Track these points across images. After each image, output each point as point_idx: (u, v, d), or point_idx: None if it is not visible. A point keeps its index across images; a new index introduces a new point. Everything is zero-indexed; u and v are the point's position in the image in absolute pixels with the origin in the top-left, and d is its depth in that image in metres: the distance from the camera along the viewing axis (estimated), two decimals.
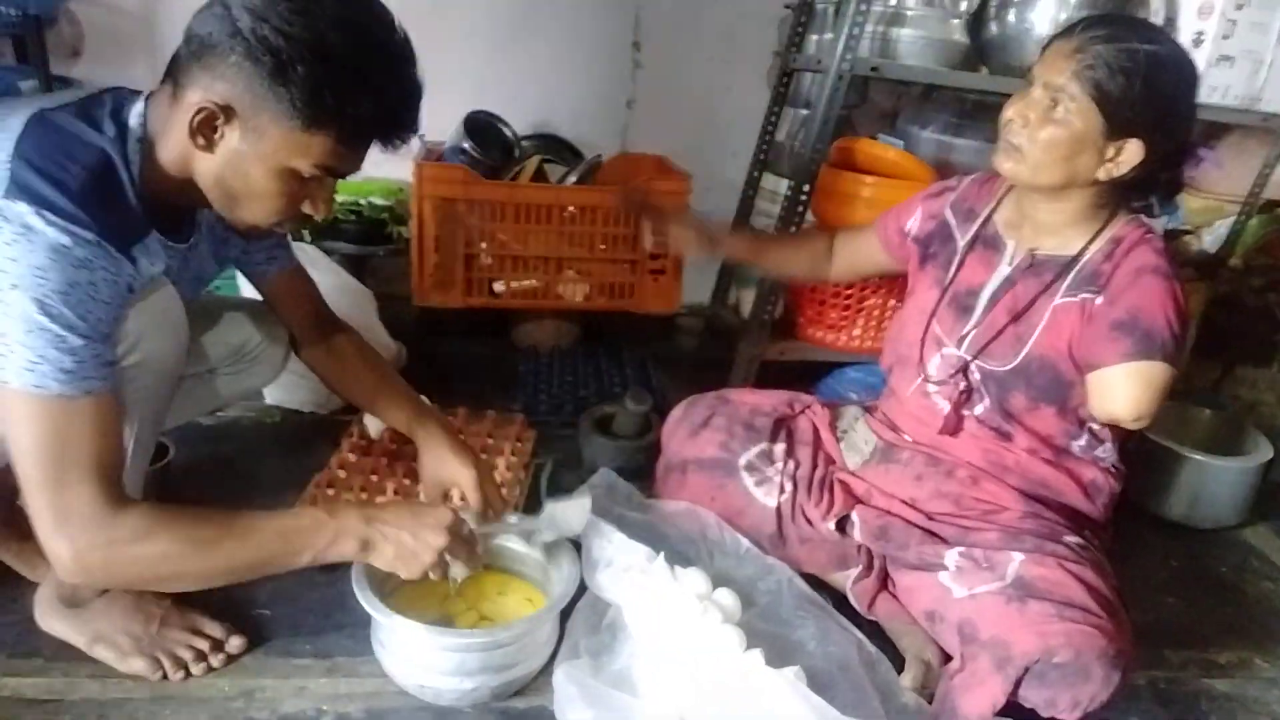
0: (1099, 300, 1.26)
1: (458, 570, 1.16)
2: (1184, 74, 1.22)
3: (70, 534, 0.95)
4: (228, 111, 0.99)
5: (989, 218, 1.43)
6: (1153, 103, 1.18)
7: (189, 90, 0.99)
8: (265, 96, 0.97)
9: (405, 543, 1.10)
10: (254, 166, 1.02)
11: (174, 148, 1.04)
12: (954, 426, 1.40)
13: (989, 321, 1.36)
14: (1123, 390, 1.22)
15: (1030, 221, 1.35)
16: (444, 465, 1.34)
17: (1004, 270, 1.38)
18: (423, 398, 1.46)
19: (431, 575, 1.12)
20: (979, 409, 1.38)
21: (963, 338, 1.38)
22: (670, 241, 1.63)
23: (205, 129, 1.00)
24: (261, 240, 1.34)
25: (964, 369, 1.37)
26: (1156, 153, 1.21)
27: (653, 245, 1.66)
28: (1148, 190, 1.31)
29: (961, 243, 1.44)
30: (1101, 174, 1.23)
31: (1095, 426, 1.35)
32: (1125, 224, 1.30)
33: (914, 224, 1.52)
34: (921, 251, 1.51)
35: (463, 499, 1.33)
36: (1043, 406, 1.32)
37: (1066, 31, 1.24)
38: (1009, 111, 1.26)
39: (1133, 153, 1.21)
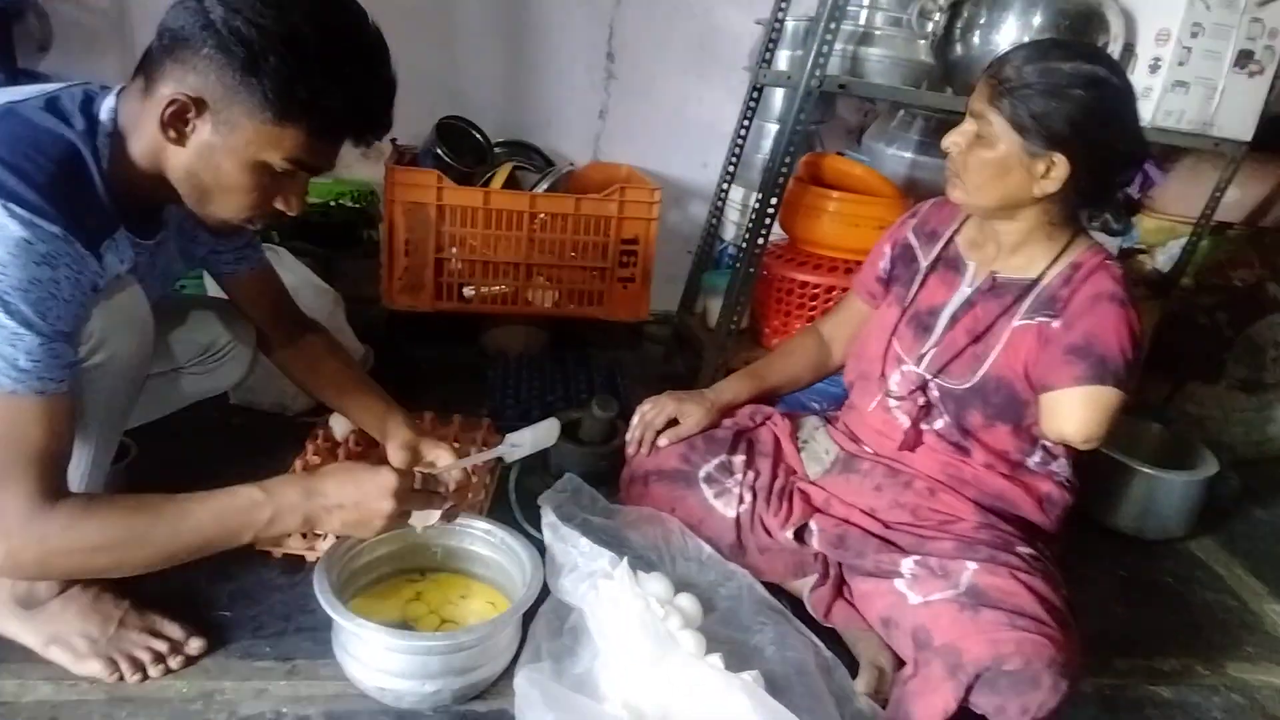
0: (1055, 324, 1.29)
1: (419, 519, 1.15)
2: (1106, 89, 1.23)
3: (3, 529, 0.94)
4: (199, 104, 0.99)
5: (950, 239, 1.46)
6: (1070, 118, 1.21)
7: (161, 84, 0.99)
8: (237, 89, 0.97)
9: (349, 516, 1.09)
10: (226, 159, 1.02)
11: (145, 141, 1.04)
12: (913, 442, 1.43)
13: (948, 341, 1.40)
14: (1074, 413, 1.26)
15: (992, 242, 1.39)
16: (395, 448, 1.35)
17: (965, 291, 1.41)
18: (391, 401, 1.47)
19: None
20: (938, 424, 1.41)
21: (922, 356, 1.42)
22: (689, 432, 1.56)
23: (177, 121, 1.00)
24: (231, 238, 1.33)
25: (923, 386, 1.41)
26: (1083, 166, 1.24)
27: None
28: (1100, 208, 1.34)
29: (924, 264, 1.48)
30: (1036, 191, 1.27)
31: (1049, 444, 1.38)
32: (1086, 250, 1.33)
33: (885, 264, 1.55)
34: (890, 270, 1.55)
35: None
36: (998, 425, 1.36)
37: (995, 61, 1.29)
38: (945, 141, 1.33)
39: (1059, 168, 1.24)
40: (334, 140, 1.06)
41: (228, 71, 0.96)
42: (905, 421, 1.43)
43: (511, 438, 1.36)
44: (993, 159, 1.26)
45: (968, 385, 1.36)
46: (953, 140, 1.31)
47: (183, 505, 1.02)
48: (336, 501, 1.08)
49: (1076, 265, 1.32)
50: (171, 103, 0.98)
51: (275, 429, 1.85)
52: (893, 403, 1.44)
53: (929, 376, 1.40)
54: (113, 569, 1.03)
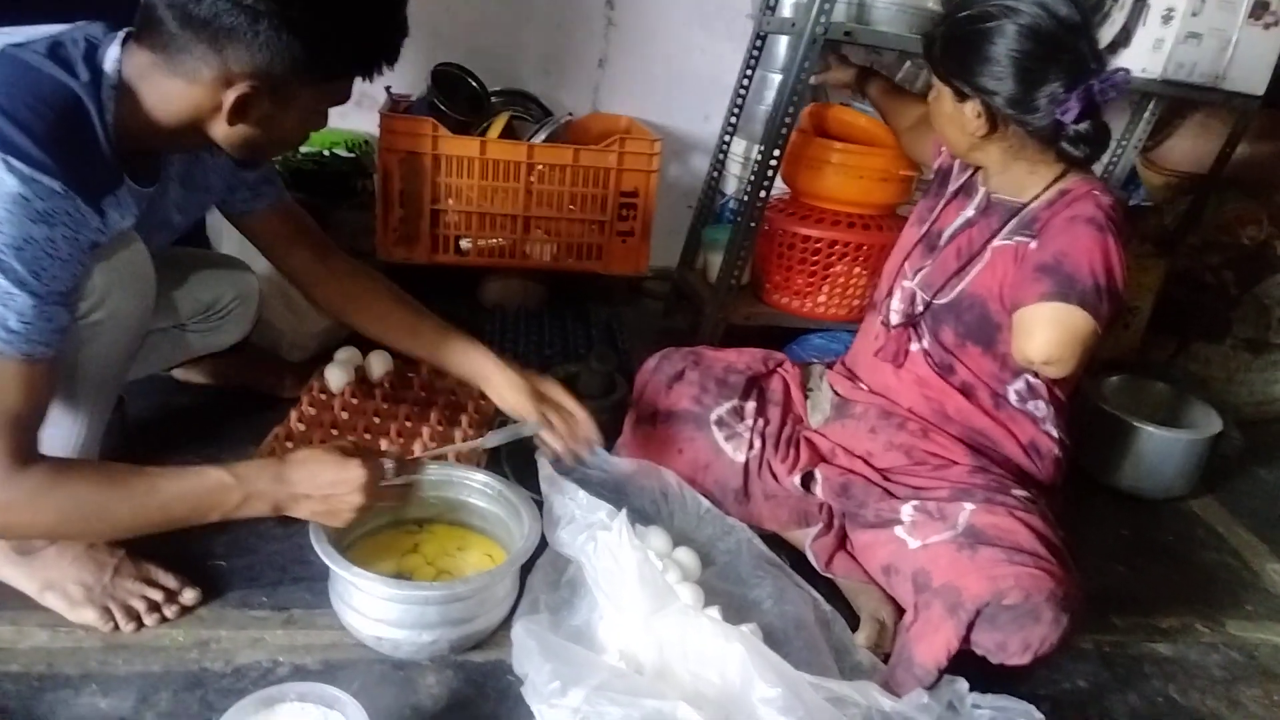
0: (1032, 244, 1.30)
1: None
2: (993, 29, 1.25)
3: None
4: (258, 88, 0.99)
5: (976, 170, 1.47)
6: (964, 64, 1.30)
7: (198, 64, 0.97)
8: (296, 65, 0.98)
9: (318, 506, 1.09)
10: (287, 122, 1.06)
11: (178, 109, 1.02)
12: (894, 352, 1.45)
13: (942, 259, 1.43)
14: (1036, 330, 1.23)
15: (986, 170, 1.43)
16: (510, 391, 1.32)
17: (968, 213, 1.44)
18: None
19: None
20: (924, 342, 1.43)
21: (918, 271, 1.46)
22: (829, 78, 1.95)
23: (243, 107, 1.00)
24: (249, 172, 1.31)
25: (912, 299, 1.45)
26: (999, 105, 1.28)
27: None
28: (1061, 140, 1.30)
29: (951, 188, 1.50)
30: (973, 133, 1.34)
31: (1031, 379, 1.38)
32: (1078, 179, 1.34)
33: (944, 150, 1.57)
34: (933, 182, 1.58)
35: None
36: (969, 345, 1.38)
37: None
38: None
39: (979, 110, 1.31)
40: (369, 71, 1.08)
41: (286, 54, 0.97)
42: (893, 334, 1.46)
43: (491, 436, 1.33)
44: (942, 111, 1.38)
45: (945, 300, 1.39)
46: (929, 94, 1.43)
47: (153, 481, 1.01)
48: (305, 491, 1.08)
49: (1064, 191, 1.33)
50: (241, 95, 0.98)
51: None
52: (894, 318, 1.47)
53: (917, 290, 1.43)
54: (74, 536, 1.06)
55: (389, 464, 1.14)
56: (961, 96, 1.33)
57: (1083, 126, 1.27)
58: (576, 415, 1.32)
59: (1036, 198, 1.35)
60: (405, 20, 1.07)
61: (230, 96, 0.99)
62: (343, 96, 1.09)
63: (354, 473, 1.08)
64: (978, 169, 1.46)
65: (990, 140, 1.34)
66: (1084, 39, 1.27)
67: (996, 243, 1.36)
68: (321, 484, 1.08)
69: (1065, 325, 1.21)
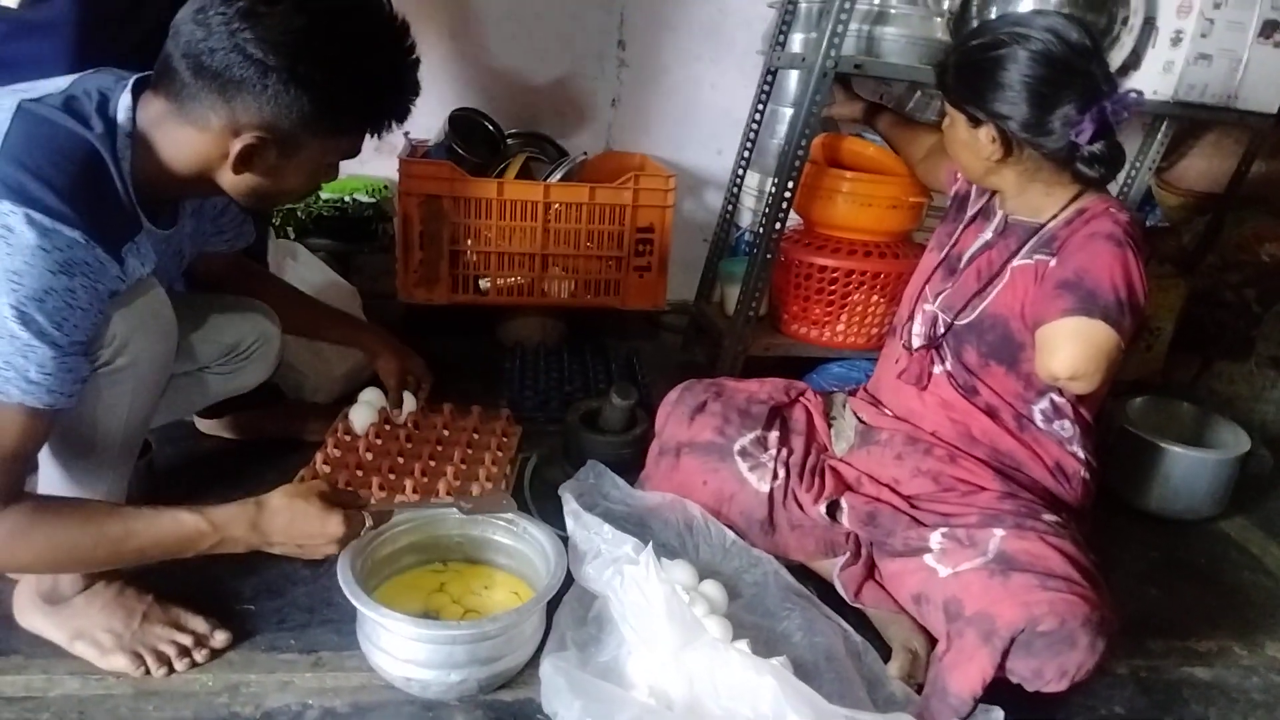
0: (1052, 262, 1.32)
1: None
2: (1000, 57, 1.28)
3: None
4: (265, 139, 1.02)
5: (994, 194, 1.49)
6: (976, 92, 1.32)
7: (206, 113, 1.01)
8: (305, 119, 1.02)
9: (292, 552, 1.13)
10: (294, 174, 1.10)
11: (189, 158, 1.06)
12: (917, 374, 1.46)
13: (963, 280, 1.44)
14: (1060, 346, 1.24)
15: (1002, 193, 1.44)
16: (395, 358, 1.69)
17: (987, 235, 1.45)
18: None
19: None
20: (947, 364, 1.44)
21: (939, 294, 1.47)
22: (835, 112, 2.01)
23: (248, 156, 1.03)
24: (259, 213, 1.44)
25: (934, 322, 1.46)
26: (1012, 130, 1.30)
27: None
28: (1076, 161, 1.31)
29: (969, 213, 1.52)
30: (989, 158, 1.35)
31: (1056, 398, 1.38)
32: (1094, 197, 1.36)
33: (960, 175, 1.58)
34: (950, 207, 1.60)
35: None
36: (992, 364, 1.39)
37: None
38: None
39: (993, 137, 1.33)
40: (378, 129, 1.11)
41: (295, 109, 1.00)
42: (916, 356, 1.47)
43: (462, 504, 1.34)
44: (956, 138, 1.40)
45: (966, 321, 1.41)
46: (943, 121, 1.45)
47: (129, 525, 1.03)
48: (280, 541, 1.11)
49: (1082, 210, 1.35)
50: (246, 145, 1.02)
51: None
52: (915, 341, 1.49)
53: (939, 313, 1.45)
54: (54, 570, 1.10)
55: (369, 520, 1.19)
56: (975, 122, 1.34)
57: (1097, 147, 1.29)
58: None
59: (1054, 217, 1.36)
60: (414, 81, 1.10)
61: (237, 146, 1.02)
62: (353, 150, 1.12)
63: (333, 528, 1.11)
64: (994, 193, 1.47)
65: (1005, 164, 1.36)
66: (1095, 62, 1.28)
67: (1016, 262, 1.37)
68: (296, 535, 1.11)
69: (1089, 339, 1.22)
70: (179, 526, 1.05)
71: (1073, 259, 1.28)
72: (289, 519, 1.10)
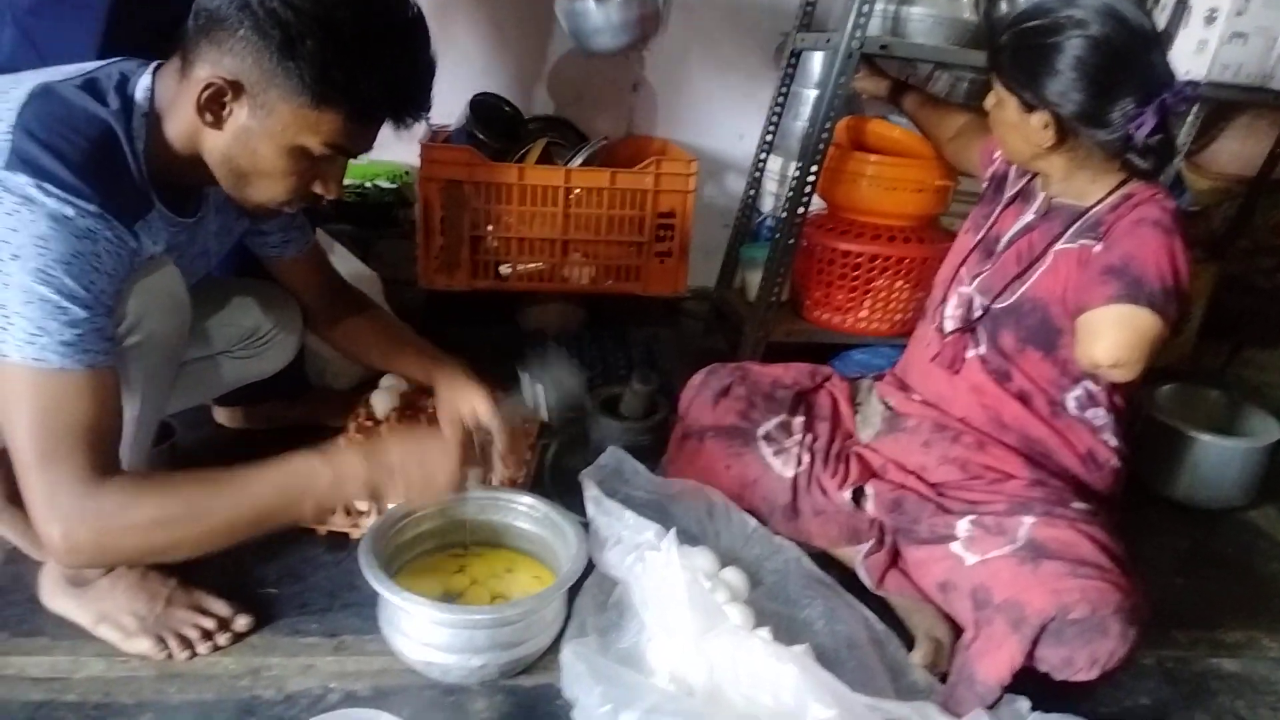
0: (1097, 247, 1.29)
1: (473, 480, 1.20)
2: (1066, 40, 1.23)
3: (58, 512, 0.93)
4: (236, 87, 0.98)
5: (1034, 175, 1.46)
6: (1035, 76, 1.27)
7: (197, 66, 0.99)
8: (274, 72, 0.96)
9: (413, 475, 1.08)
10: (263, 144, 1.01)
11: (182, 124, 1.03)
12: (950, 358, 1.44)
13: (1002, 263, 1.41)
14: (1104, 333, 1.21)
15: (1047, 176, 1.41)
16: (459, 393, 1.34)
17: (1028, 218, 1.42)
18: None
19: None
20: (981, 348, 1.42)
21: (976, 277, 1.44)
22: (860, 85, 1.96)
23: (213, 105, 0.99)
24: (268, 220, 1.33)
25: (970, 305, 1.43)
26: (1068, 117, 1.27)
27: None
28: (1129, 151, 1.28)
29: (1007, 194, 1.49)
30: (1041, 144, 1.31)
31: (1091, 386, 1.36)
32: (1141, 184, 1.33)
33: (997, 156, 1.55)
34: (986, 188, 1.57)
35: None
36: (1029, 349, 1.36)
37: (997, 23, 1.36)
38: (985, 103, 1.41)
39: (1047, 122, 1.29)
40: (372, 123, 1.05)
41: (264, 55, 0.95)
42: (950, 339, 1.45)
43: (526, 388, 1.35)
44: (1005, 120, 1.35)
45: (1005, 304, 1.38)
46: (986, 102, 1.39)
47: (241, 477, 1.00)
48: (399, 463, 1.07)
49: (1128, 195, 1.32)
50: (208, 86, 0.97)
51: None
52: (948, 324, 1.46)
53: (975, 295, 1.42)
54: (170, 547, 0.99)
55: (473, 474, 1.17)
56: (1028, 107, 1.30)
57: (1153, 139, 1.25)
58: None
59: (1100, 202, 1.33)
60: (413, 81, 1.04)
61: (204, 91, 0.97)
62: (337, 137, 1.02)
63: (452, 459, 1.10)
64: (1034, 174, 1.44)
65: (1056, 150, 1.32)
66: (1156, 50, 1.25)
67: (1059, 246, 1.34)
68: (415, 450, 1.08)
69: (1133, 327, 1.20)
70: (292, 465, 1.02)
71: (1119, 245, 1.25)
72: (408, 446, 1.08)
